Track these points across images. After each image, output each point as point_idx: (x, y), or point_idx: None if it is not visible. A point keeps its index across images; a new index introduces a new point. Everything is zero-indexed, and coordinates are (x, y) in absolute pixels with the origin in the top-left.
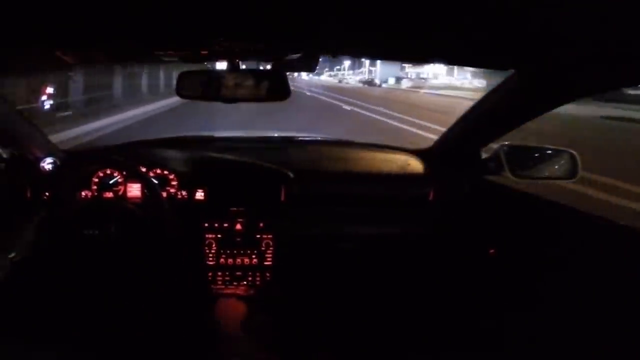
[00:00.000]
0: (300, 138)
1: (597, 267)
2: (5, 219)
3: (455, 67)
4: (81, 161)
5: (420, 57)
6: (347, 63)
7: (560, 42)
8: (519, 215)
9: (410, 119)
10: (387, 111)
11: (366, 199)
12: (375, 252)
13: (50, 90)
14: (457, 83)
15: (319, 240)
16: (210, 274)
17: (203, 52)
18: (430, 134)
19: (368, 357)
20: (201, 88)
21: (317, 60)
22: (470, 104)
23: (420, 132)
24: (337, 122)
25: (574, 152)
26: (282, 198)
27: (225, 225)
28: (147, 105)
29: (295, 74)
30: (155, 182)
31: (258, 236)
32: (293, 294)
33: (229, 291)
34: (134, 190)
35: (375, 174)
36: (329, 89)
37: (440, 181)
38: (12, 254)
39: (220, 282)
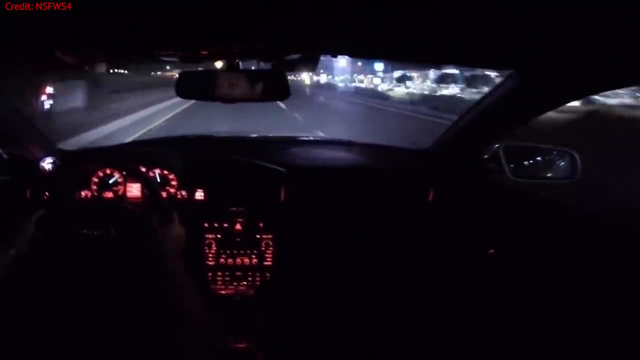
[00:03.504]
0: (300, 138)
1: (597, 267)
2: (5, 218)
3: None
4: (81, 161)
5: (421, 57)
6: None
7: (560, 42)
8: (519, 215)
9: None
10: None
11: (365, 199)
12: (375, 252)
13: (50, 90)
14: None
15: (319, 240)
16: (210, 274)
17: (203, 52)
18: None
19: (369, 356)
20: (201, 88)
21: (317, 60)
22: None
23: None
24: None
25: (574, 153)
26: (282, 198)
27: (225, 225)
28: None
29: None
30: (156, 181)
31: (258, 236)
32: (293, 294)
33: (229, 291)
34: (134, 190)
35: (375, 174)
36: None
37: (440, 181)
38: (13, 251)
39: (220, 282)
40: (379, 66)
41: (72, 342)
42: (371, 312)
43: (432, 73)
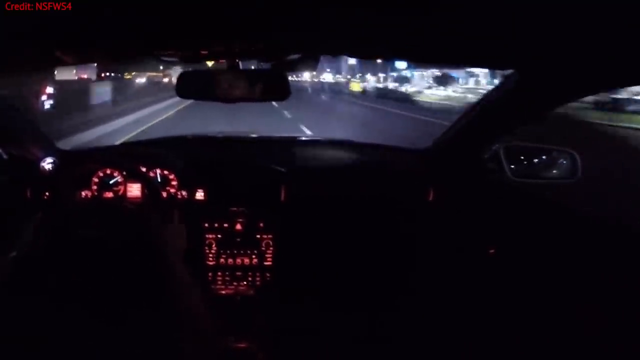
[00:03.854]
0: (300, 138)
1: (597, 266)
2: (6, 218)
3: None
4: (81, 161)
5: (421, 57)
6: None
7: (560, 42)
8: (519, 216)
9: None
10: None
11: (366, 198)
12: (375, 252)
13: (50, 89)
14: None
15: (319, 240)
16: (210, 274)
17: (203, 52)
18: None
19: (368, 357)
20: (201, 88)
21: (317, 60)
22: None
23: None
24: None
25: (574, 152)
26: (282, 198)
27: (225, 225)
28: None
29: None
30: (156, 181)
31: (258, 236)
32: (293, 294)
33: (229, 291)
34: (134, 190)
35: (375, 173)
36: None
37: (440, 181)
38: (13, 252)
39: (220, 282)
40: (401, 64)
41: (73, 342)
42: (371, 312)
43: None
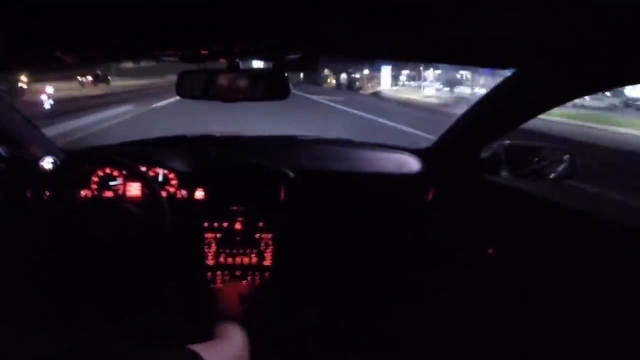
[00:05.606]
0: (300, 137)
1: (597, 267)
2: (5, 218)
3: None
4: (81, 160)
5: (421, 57)
6: None
7: (561, 40)
8: (519, 215)
9: None
10: None
11: (366, 198)
12: (375, 253)
13: (50, 89)
14: None
15: (318, 239)
16: (209, 273)
17: (203, 52)
18: None
19: (368, 356)
20: (201, 87)
21: (317, 60)
22: None
23: None
24: None
25: (573, 152)
26: (282, 197)
27: (225, 224)
28: None
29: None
30: (156, 181)
31: (258, 236)
32: (293, 293)
33: None
34: (134, 189)
35: (375, 173)
36: None
37: (440, 181)
38: (14, 252)
39: (219, 282)
40: None
41: (73, 341)
42: (371, 312)
43: None
